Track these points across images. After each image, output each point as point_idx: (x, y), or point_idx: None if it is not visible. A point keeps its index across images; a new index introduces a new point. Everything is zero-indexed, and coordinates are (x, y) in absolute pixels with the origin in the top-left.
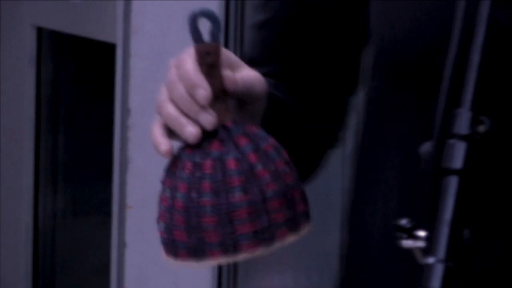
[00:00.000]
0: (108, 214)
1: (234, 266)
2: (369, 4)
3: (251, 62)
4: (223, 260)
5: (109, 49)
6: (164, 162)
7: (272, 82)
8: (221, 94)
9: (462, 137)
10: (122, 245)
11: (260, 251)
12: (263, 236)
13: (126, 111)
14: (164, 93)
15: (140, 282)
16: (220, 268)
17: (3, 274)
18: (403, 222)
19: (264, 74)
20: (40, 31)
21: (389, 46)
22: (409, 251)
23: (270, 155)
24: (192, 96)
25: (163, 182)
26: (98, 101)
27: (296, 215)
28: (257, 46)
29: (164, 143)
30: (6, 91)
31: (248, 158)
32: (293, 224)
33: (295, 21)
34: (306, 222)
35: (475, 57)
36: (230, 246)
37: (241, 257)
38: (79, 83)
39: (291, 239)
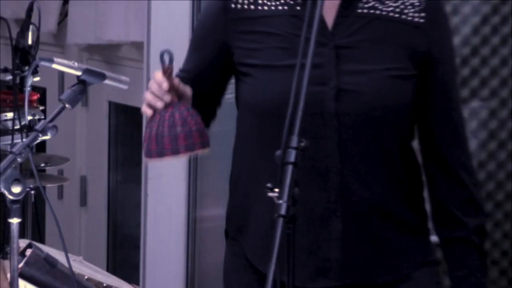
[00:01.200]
0: None
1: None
2: (249, 76)
3: (182, 70)
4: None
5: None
6: None
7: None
8: (172, 88)
9: (294, 148)
10: None
11: (187, 154)
12: (190, 147)
13: None
14: (149, 88)
15: None
16: None
17: None
18: (269, 185)
19: (184, 77)
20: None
21: (260, 100)
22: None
23: (193, 115)
24: (160, 87)
25: (148, 123)
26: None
27: (204, 141)
28: (186, 62)
29: (147, 111)
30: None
31: (184, 115)
32: (203, 144)
33: (203, 60)
34: (208, 146)
35: (300, 111)
36: (175, 149)
37: (179, 155)
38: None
39: (202, 151)
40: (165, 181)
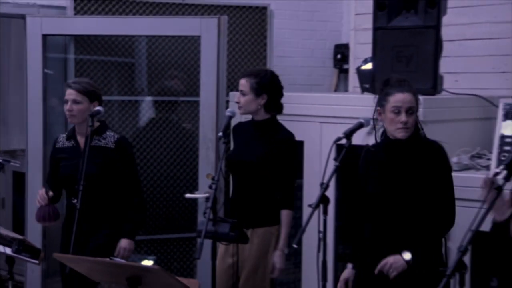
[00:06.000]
0: None
1: None
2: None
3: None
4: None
5: None
6: None
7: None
8: (46, 196)
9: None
10: None
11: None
12: (48, 221)
13: None
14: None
15: None
16: None
17: None
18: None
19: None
20: None
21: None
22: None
23: (53, 210)
24: (42, 199)
25: (38, 210)
26: None
27: (56, 218)
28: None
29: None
30: None
31: (49, 210)
32: (56, 219)
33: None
34: (58, 219)
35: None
36: (42, 220)
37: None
38: None
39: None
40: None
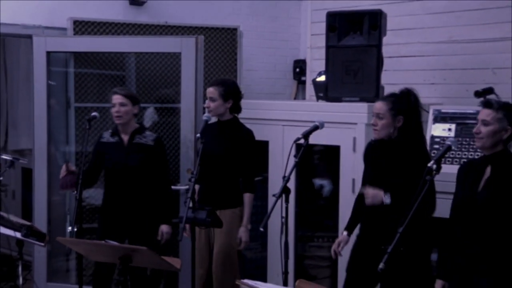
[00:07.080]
0: None
1: None
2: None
3: (89, 164)
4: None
5: None
6: None
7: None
8: (67, 170)
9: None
10: None
11: (69, 189)
12: (69, 188)
13: None
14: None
15: None
16: None
17: None
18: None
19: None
20: None
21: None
22: None
23: (72, 179)
24: (63, 172)
25: (61, 178)
26: None
27: (73, 187)
28: (90, 162)
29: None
30: None
31: (69, 179)
32: (72, 188)
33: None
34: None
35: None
36: (64, 187)
37: (66, 190)
38: None
39: (72, 189)
40: None
